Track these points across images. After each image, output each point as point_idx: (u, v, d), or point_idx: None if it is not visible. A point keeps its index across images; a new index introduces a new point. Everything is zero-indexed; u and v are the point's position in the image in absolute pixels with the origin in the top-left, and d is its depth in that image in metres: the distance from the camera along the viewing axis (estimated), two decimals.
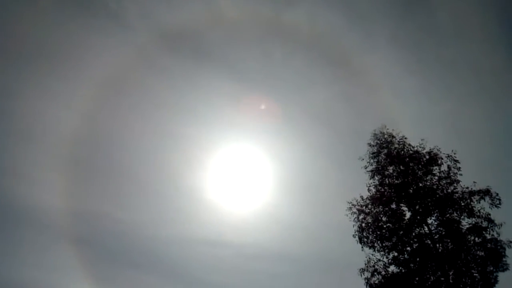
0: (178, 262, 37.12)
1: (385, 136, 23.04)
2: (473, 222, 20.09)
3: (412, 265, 19.94)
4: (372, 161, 22.55)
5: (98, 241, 35.03)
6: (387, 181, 21.91)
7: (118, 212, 36.55)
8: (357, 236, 20.99)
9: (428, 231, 20.39)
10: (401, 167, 22.11)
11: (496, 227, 19.79)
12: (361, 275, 20.33)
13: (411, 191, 21.39)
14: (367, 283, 20.16)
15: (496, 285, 18.93)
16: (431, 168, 21.75)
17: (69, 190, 32.86)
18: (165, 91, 34.98)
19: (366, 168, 22.43)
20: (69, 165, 33.42)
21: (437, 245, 19.92)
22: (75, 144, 33.42)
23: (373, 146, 22.97)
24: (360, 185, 21.51)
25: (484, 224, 19.91)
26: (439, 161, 21.72)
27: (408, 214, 21.10)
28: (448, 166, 21.50)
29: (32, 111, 33.31)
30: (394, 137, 22.96)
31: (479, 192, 20.53)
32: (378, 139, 23.02)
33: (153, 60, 32.55)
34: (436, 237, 20.14)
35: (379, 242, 20.76)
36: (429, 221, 20.73)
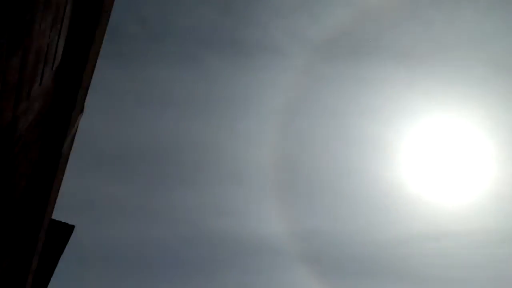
0: (404, 262, 37.35)
1: None
2: None
3: None
4: None
5: (323, 257, 36.87)
6: None
7: (330, 225, 37.90)
8: None
9: None
10: None
11: None
12: None
13: None
14: None
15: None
16: None
17: (283, 214, 35.37)
18: (340, 97, 34.84)
19: None
20: (275, 192, 35.70)
21: None
22: (276, 173, 35.39)
23: None
24: None
25: None
26: None
27: None
28: None
29: (230, 154, 35.30)
30: None
31: None
32: None
33: (317, 72, 32.83)
34: None
35: None
36: None
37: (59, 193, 6.57)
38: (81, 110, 5.46)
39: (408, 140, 33.81)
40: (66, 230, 8.46)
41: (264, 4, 30.04)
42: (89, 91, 5.73)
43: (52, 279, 9.18)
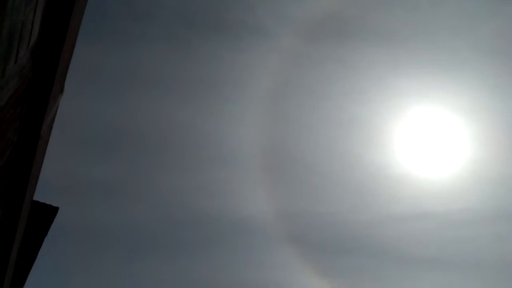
0: (385, 242, 37.65)
1: None
2: None
3: None
4: None
5: (308, 237, 37.11)
6: None
7: (316, 206, 37.98)
8: None
9: None
10: None
11: None
12: None
13: None
14: None
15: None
16: None
17: (267, 196, 35.29)
18: (325, 79, 34.55)
19: None
20: (260, 174, 35.61)
21: None
22: (261, 155, 35.24)
23: None
24: None
25: None
26: None
27: None
28: None
29: (216, 136, 34.99)
30: None
31: None
32: None
33: (302, 54, 32.53)
34: None
35: None
36: None
37: (41, 175, 6.48)
38: (61, 90, 5.34)
39: (391, 122, 34.25)
40: (50, 211, 8.40)
41: None
42: (71, 71, 5.60)
43: (36, 260, 9.14)
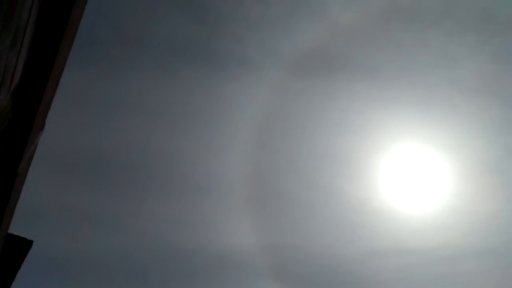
0: (368, 277, 36.92)
1: None
2: None
3: None
4: None
5: (291, 271, 36.27)
6: None
7: (299, 240, 37.50)
8: None
9: None
10: None
11: None
12: None
13: None
14: None
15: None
16: None
17: (250, 228, 34.76)
18: (310, 111, 34.84)
19: None
20: (244, 206, 35.19)
21: None
22: (246, 186, 35.08)
23: None
24: None
25: None
26: None
27: None
28: None
29: (201, 165, 34.85)
30: None
31: None
32: None
33: (288, 86, 33.08)
34: None
35: None
36: None
37: (16, 209, 6.39)
38: (42, 127, 5.37)
39: (375, 157, 34.79)
40: (24, 245, 8.22)
41: (239, 17, 30.36)
42: (56, 97, 5.63)
43: None
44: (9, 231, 8.05)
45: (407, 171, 35.35)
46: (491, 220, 35.20)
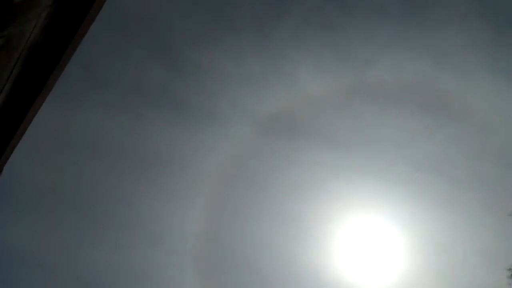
0: None
1: None
2: None
3: None
4: None
5: None
6: None
7: None
8: None
9: None
10: None
11: None
12: None
13: None
14: None
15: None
16: None
17: (199, 287, 32.69)
18: (272, 172, 34.57)
19: None
20: (194, 262, 33.43)
21: None
22: (198, 241, 33.74)
23: None
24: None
25: None
26: None
27: None
28: None
29: (154, 214, 33.43)
30: None
31: None
32: None
33: (253, 144, 33.29)
34: None
35: None
36: None
37: None
38: (0, 172, 5.18)
39: (330, 225, 35.28)
40: None
41: (212, 72, 31.12)
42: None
43: None
44: None
45: (362, 243, 35.88)
46: None
